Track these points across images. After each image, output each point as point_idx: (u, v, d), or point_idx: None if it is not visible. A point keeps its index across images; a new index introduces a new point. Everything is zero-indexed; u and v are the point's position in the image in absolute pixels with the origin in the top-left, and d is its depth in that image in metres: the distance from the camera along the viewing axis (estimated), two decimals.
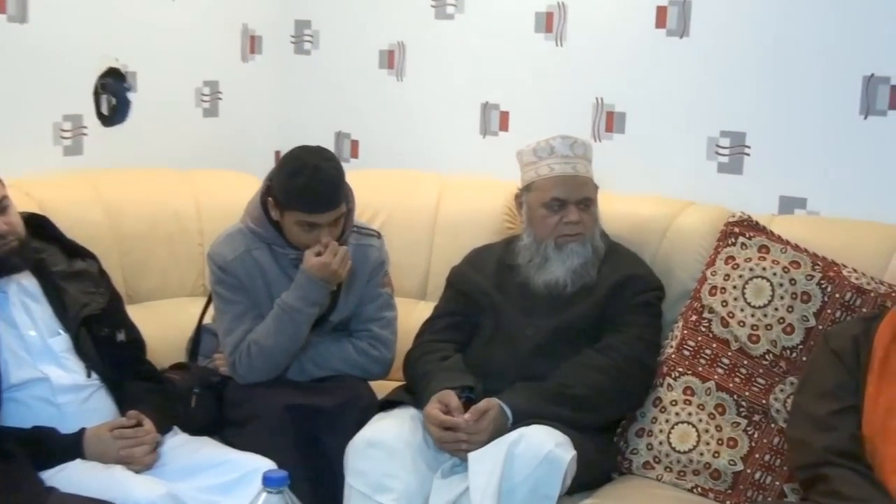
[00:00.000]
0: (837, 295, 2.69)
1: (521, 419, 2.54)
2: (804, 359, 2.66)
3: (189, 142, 3.60)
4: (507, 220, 3.21)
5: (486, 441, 2.50)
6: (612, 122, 3.32)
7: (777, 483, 2.60)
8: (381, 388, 2.89)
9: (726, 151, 3.17)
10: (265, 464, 2.39)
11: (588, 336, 2.75)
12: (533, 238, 2.85)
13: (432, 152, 3.61)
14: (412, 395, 2.76)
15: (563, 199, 2.81)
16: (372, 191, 3.34)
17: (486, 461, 2.45)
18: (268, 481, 1.89)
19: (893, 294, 2.66)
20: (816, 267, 2.75)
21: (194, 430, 2.61)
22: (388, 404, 2.75)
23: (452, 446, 2.54)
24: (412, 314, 3.15)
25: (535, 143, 2.87)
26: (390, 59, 3.65)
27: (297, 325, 2.73)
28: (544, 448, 2.43)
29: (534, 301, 2.81)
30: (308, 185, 2.67)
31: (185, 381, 2.77)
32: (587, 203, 2.83)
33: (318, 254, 2.69)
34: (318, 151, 2.75)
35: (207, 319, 2.96)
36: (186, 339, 3.01)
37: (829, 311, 2.69)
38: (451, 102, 3.59)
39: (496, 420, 2.56)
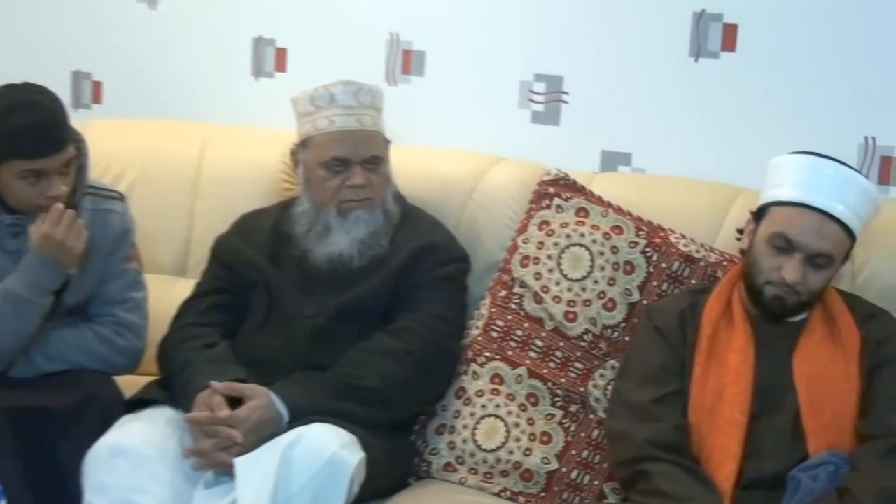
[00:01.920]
0: (664, 265, 2.81)
1: (300, 416, 2.53)
2: (627, 339, 2.77)
3: None
4: (285, 179, 3.20)
5: (255, 443, 2.50)
6: (409, 62, 3.35)
7: (596, 483, 2.70)
8: (129, 384, 2.83)
9: (541, 98, 3.25)
10: None
11: (379, 317, 2.77)
12: (312, 203, 2.85)
13: (193, 97, 3.56)
14: (168, 391, 2.72)
15: (345, 159, 2.81)
16: (118, 143, 3.26)
17: (256, 468, 2.43)
18: None
19: (725, 263, 2.80)
20: (641, 233, 2.86)
21: None
22: (138, 404, 2.71)
23: (215, 458, 2.51)
24: (169, 294, 3.10)
25: (313, 89, 2.85)
26: None
27: (24, 318, 2.64)
28: (327, 450, 2.43)
29: (314, 277, 2.81)
30: (26, 123, 2.57)
31: None
32: (375, 162, 2.85)
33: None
34: (27, 86, 2.68)
35: None
36: None
37: (654, 283, 2.81)
38: (217, 36, 3.54)
39: (264, 415, 2.55)
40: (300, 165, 2.89)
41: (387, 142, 2.90)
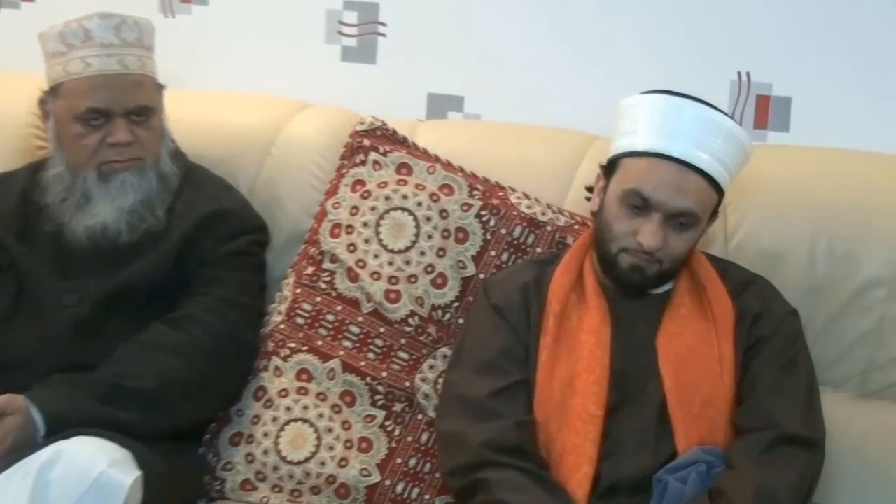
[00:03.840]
0: (503, 230, 2.84)
1: (59, 429, 2.50)
2: (461, 321, 2.79)
3: None
4: (37, 136, 3.14)
5: (4, 464, 2.44)
6: None
7: (427, 497, 2.72)
8: None
9: (353, 31, 3.26)
10: None
11: (157, 304, 2.75)
12: (66, 165, 2.81)
13: None
14: None
15: (104, 110, 2.76)
16: None
17: (5, 495, 2.40)
18: None
19: (577, 227, 2.84)
20: (475, 192, 2.87)
21: None
22: None
23: None
24: None
25: (64, 24, 2.79)
26: None
27: None
28: (93, 469, 2.39)
29: (74, 257, 2.78)
30: None
31: None
32: (144, 113, 2.81)
33: None
34: None
35: None
36: None
37: (492, 252, 2.83)
38: None
39: (21, 431, 2.51)
40: (50, 118, 2.83)
41: (159, 87, 2.86)
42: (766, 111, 3.04)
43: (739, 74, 3.03)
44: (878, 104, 2.97)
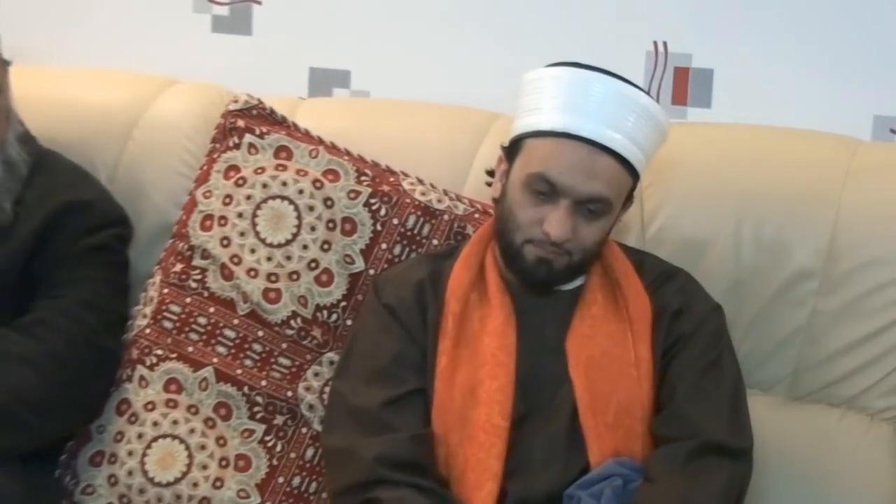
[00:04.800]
0: (395, 220, 2.83)
1: None
2: (349, 323, 2.79)
3: None
4: None
5: None
6: None
7: None
8: None
9: None
10: None
11: (4, 308, 2.72)
12: None
13: None
14: None
15: None
16: None
17: None
18: None
19: (478, 215, 2.85)
20: (364, 178, 2.87)
21: None
22: None
23: None
24: None
25: None
26: None
27: None
28: None
29: None
30: None
31: None
32: None
33: None
34: None
35: None
36: None
37: (383, 245, 2.83)
38: None
39: None
40: None
41: (4, 64, 2.81)
42: (685, 85, 3.06)
43: (655, 44, 3.05)
44: (809, 76, 3.00)
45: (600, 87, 2.48)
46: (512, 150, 2.54)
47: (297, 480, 2.73)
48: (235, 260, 2.83)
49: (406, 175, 2.91)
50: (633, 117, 2.47)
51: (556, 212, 2.45)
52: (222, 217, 2.86)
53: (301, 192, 2.85)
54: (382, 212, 2.84)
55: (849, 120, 2.96)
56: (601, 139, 2.44)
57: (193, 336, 2.82)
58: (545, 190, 2.46)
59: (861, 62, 2.99)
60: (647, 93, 2.56)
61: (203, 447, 2.74)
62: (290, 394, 2.78)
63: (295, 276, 2.81)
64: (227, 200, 2.87)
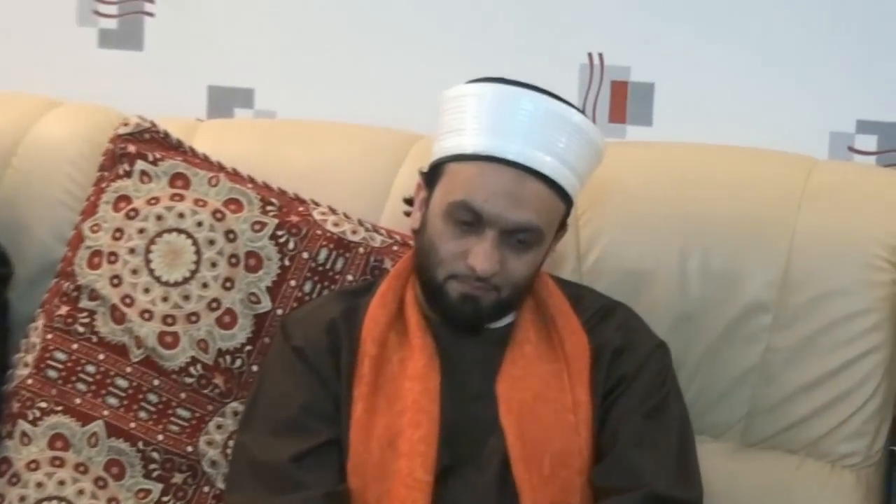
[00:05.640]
0: (306, 255, 2.82)
1: None
2: (255, 369, 2.77)
3: None
4: None
5: None
6: None
7: None
8: None
9: (113, 10, 3.26)
10: None
11: None
12: None
13: None
14: None
15: None
16: None
17: None
18: None
19: (396, 248, 2.84)
20: (270, 208, 2.85)
21: None
22: None
23: None
24: None
25: None
26: None
27: None
28: None
29: None
30: None
31: None
32: None
33: None
34: None
35: None
36: None
37: (292, 282, 2.81)
38: None
39: None
40: None
41: None
42: (623, 101, 3.07)
43: (590, 56, 3.06)
44: (759, 89, 3.02)
45: (528, 104, 2.46)
46: (432, 175, 2.52)
47: None
48: (127, 301, 2.80)
49: (317, 204, 2.89)
50: (564, 137, 2.46)
51: (481, 244, 2.43)
52: (112, 253, 2.84)
53: (200, 224, 2.83)
54: (291, 245, 2.82)
55: (803, 137, 2.98)
56: (529, 162, 2.43)
57: (81, 386, 2.79)
58: (469, 219, 2.44)
59: (815, 74, 3.01)
60: (581, 110, 2.55)
61: None
62: (189, 449, 2.76)
63: (194, 318, 2.79)
64: (118, 235, 2.85)
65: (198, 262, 2.82)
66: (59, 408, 2.77)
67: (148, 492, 2.73)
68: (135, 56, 3.26)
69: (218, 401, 2.79)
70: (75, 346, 2.81)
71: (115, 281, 2.82)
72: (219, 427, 2.78)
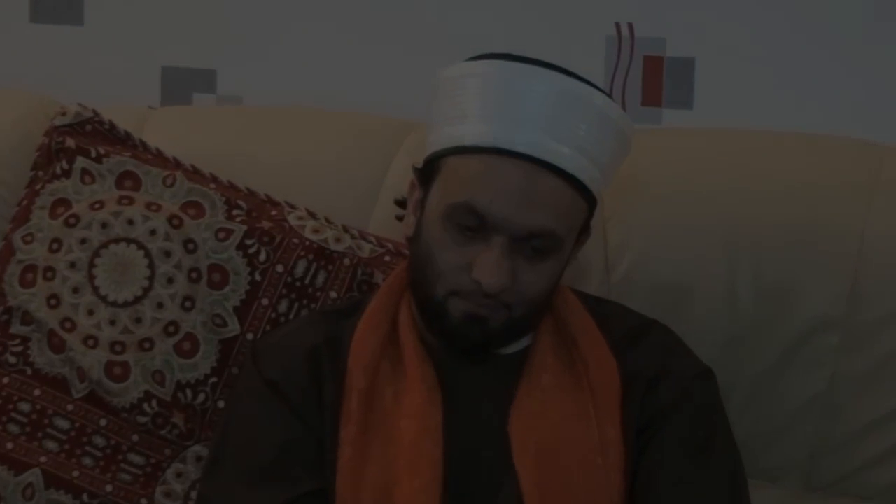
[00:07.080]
0: (280, 268, 2.81)
1: None
2: (221, 405, 2.77)
3: None
4: None
5: None
6: None
7: None
8: None
9: None
10: None
11: None
12: None
13: None
14: None
15: None
16: None
17: None
18: None
19: (388, 258, 2.83)
20: (237, 212, 2.85)
21: None
22: None
23: None
24: None
25: None
26: None
27: None
28: None
29: None
30: None
31: None
32: None
33: None
34: None
35: None
36: None
37: (264, 301, 2.80)
38: None
39: None
40: None
41: None
42: (658, 80, 3.06)
43: (618, 27, 3.04)
44: (818, 65, 2.99)
45: (541, 85, 2.42)
46: (427, 172, 2.49)
47: None
48: (68, 325, 2.81)
49: (293, 207, 2.89)
50: (585, 124, 2.43)
51: (487, 253, 2.40)
52: (49, 268, 2.84)
53: (153, 232, 2.83)
54: (262, 256, 2.82)
55: (873, 122, 2.95)
56: (543, 154, 2.39)
57: (13, 428, 2.79)
58: (472, 224, 2.40)
59: (885, 44, 2.99)
60: (606, 92, 2.52)
61: None
62: (144, 502, 2.77)
63: (147, 345, 2.79)
64: (55, 246, 2.85)
65: (151, 278, 2.82)
66: None
67: None
68: (74, 32, 3.28)
69: (177, 444, 2.79)
70: (6, 380, 2.82)
71: (53, 301, 2.82)
72: (178, 475, 2.78)
